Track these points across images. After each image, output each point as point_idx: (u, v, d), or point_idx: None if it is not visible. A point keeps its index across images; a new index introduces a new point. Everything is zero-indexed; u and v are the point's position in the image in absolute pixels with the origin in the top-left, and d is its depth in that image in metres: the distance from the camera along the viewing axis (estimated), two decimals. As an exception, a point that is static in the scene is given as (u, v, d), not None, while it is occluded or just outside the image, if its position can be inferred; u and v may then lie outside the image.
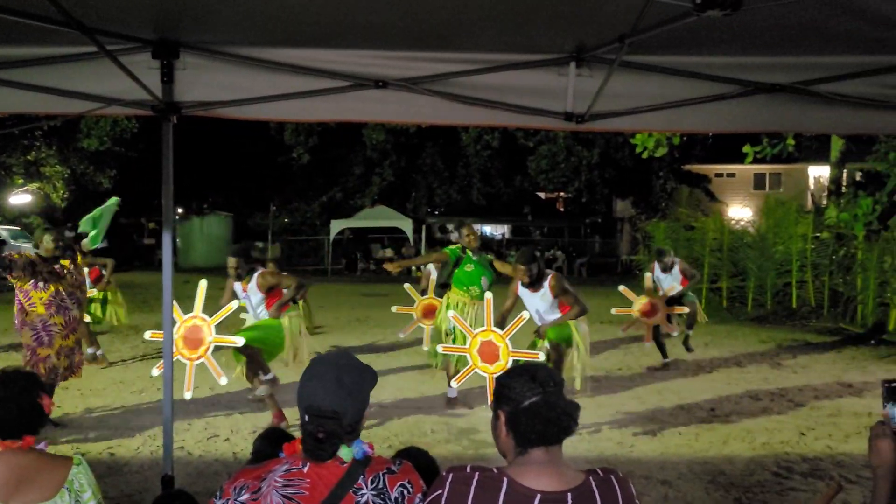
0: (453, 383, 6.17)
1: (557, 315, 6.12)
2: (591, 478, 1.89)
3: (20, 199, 25.58)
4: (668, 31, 2.73)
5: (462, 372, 5.71)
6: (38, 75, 3.27)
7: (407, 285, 9.32)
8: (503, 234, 35.61)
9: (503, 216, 33.73)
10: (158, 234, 31.20)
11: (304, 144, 29.68)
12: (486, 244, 32.37)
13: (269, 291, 6.06)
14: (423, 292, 8.85)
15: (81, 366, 6.25)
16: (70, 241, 6.79)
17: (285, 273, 6.36)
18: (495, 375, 4.84)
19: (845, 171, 17.99)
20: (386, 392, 7.14)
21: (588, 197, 31.03)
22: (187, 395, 5.41)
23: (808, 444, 5.82)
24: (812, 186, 28.41)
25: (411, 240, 29.94)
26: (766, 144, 13.65)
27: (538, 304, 6.18)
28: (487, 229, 36.87)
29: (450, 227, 36.00)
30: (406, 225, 29.56)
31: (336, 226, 29.69)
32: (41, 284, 5.88)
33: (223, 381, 5.51)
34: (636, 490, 1.90)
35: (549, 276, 6.14)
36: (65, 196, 26.38)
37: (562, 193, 34.40)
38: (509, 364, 5.35)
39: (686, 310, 8.79)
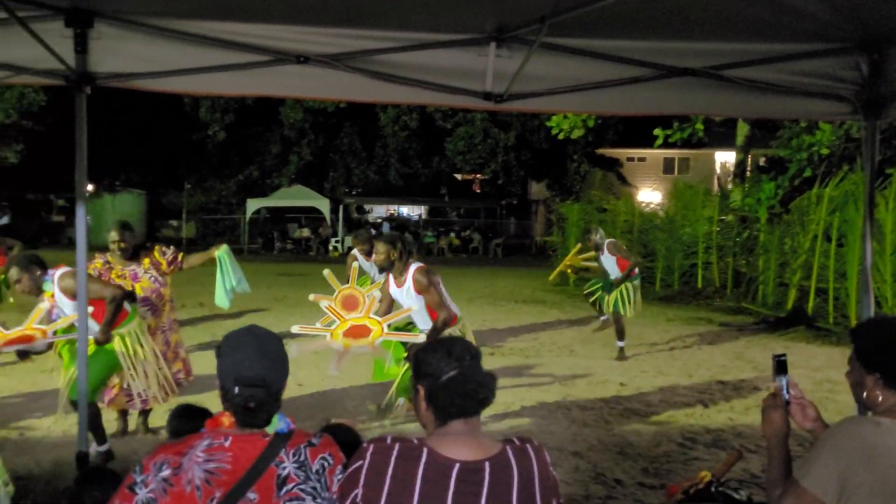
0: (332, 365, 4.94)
1: (428, 321, 5.12)
2: (508, 447, 1.95)
3: (-84, 173, 23.98)
4: (586, 14, 2.82)
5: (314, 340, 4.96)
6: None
7: (327, 272, 8.80)
8: (420, 215, 35.70)
9: (420, 197, 33.83)
10: (67, 212, 29.68)
11: (219, 122, 28.95)
12: (403, 225, 32.41)
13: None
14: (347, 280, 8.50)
15: None
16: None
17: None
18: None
19: (750, 156, 18.84)
20: (304, 370, 7.10)
21: (504, 179, 31.49)
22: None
23: (711, 416, 6.15)
24: (718, 171, 29.68)
25: (328, 220, 29.65)
26: (676, 128, 14.17)
27: (405, 302, 5.17)
28: (405, 210, 36.89)
29: (367, 208, 35.84)
30: (323, 205, 29.26)
31: (252, 205, 29.11)
32: None
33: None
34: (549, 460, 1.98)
35: (414, 268, 5.09)
36: (-33, 171, 24.93)
37: (478, 175, 34.74)
38: (378, 341, 4.65)
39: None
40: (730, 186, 17.31)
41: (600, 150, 32.48)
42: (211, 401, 5.48)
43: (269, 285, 15.65)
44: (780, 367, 2.19)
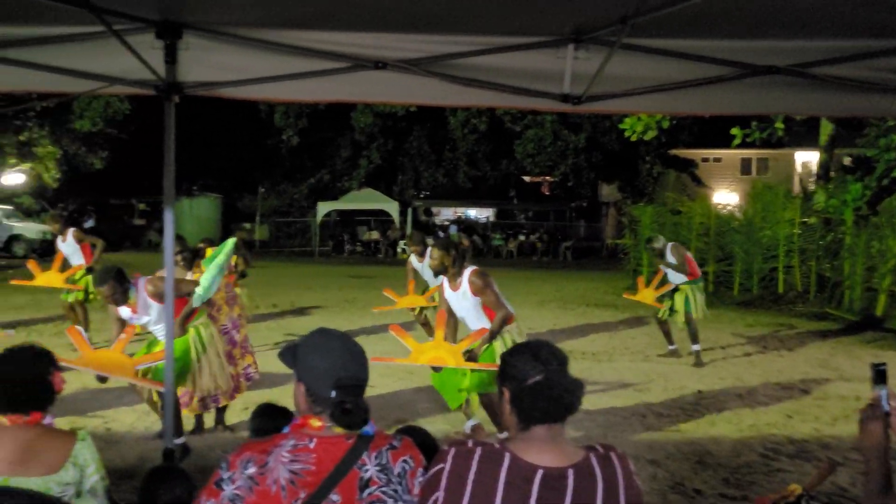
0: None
1: (483, 320, 5.15)
2: (591, 454, 1.92)
3: (13, 178, 25.50)
4: (668, 14, 2.75)
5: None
6: (44, 54, 3.27)
7: (386, 291, 8.58)
8: (488, 218, 35.67)
9: (488, 199, 33.78)
10: (148, 215, 31.05)
11: (293, 127, 29.60)
12: (471, 227, 32.46)
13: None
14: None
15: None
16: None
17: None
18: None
19: (834, 155, 18.10)
20: (374, 372, 7.16)
21: (574, 181, 31.14)
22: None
23: (795, 426, 5.92)
24: (799, 171, 28.62)
25: (397, 222, 29.94)
26: (755, 127, 13.74)
27: (460, 305, 5.21)
28: (472, 212, 36.93)
29: (435, 210, 36.04)
30: (392, 208, 29.55)
31: (323, 208, 29.63)
32: None
33: None
34: None
35: (470, 271, 5.10)
36: (57, 177, 26.30)
37: (547, 177, 34.47)
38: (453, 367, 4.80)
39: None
40: (812, 187, 16.66)
41: (674, 151, 31.74)
42: (281, 397, 5.63)
43: (339, 287, 15.93)
44: (880, 376, 2.09)
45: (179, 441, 4.87)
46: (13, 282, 8.90)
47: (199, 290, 5.34)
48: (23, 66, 3.29)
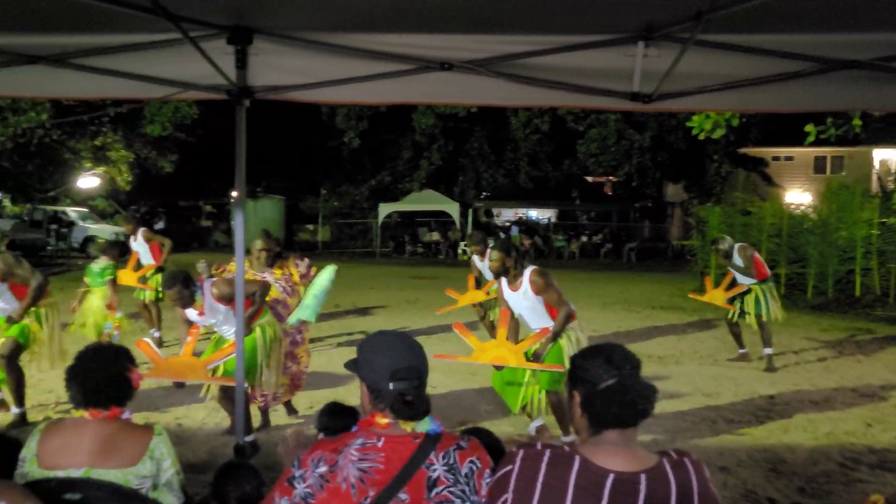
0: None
1: (544, 319, 5.11)
2: (664, 459, 1.88)
3: (88, 182, 26.64)
4: (743, 8, 2.67)
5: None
6: (122, 62, 3.39)
7: (449, 291, 8.77)
8: (549, 219, 35.35)
9: (550, 200, 33.46)
10: (215, 217, 32.08)
11: (354, 129, 29.91)
12: (533, 228, 32.20)
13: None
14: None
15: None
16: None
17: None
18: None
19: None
20: (437, 373, 7.20)
21: (638, 181, 30.54)
22: None
23: (875, 435, 5.67)
24: (877, 169, 27.43)
25: (458, 224, 29.98)
26: (830, 124, 13.22)
27: (520, 305, 5.17)
28: (533, 213, 36.67)
29: (496, 212, 35.94)
30: (453, 209, 29.59)
31: (384, 209, 29.88)
32: None
33: None
34: None
35: (530, 270, 5.07)
36: (129, 180, 27.37)
37: (611, 177, 33.91)
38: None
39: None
40: (891, 186, 15.94)
41: (743, 150, 30.80)
42: (345, 396, 5.67)
43: (400, 287, 16.04)
44: None
45: (249, 438, 4.97)
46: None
47: (303, 313, 5.60)
48: (102, 73, 3.42)
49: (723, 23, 2.90)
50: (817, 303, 14.01)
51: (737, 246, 8.22)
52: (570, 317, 4.95)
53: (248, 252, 5.81)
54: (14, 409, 5.49)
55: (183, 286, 4.85)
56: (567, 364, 4.79)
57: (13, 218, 25.34)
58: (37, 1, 2.83)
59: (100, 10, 2.74)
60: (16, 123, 19.91)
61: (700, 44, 3.12)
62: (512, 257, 5.10)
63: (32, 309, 5.52)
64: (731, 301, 8.21)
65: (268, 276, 5.97)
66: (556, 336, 4.92)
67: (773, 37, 3.18)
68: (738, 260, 8.11)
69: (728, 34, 3.16)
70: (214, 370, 4.81)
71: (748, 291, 8.12)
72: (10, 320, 5.42)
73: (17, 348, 5.41)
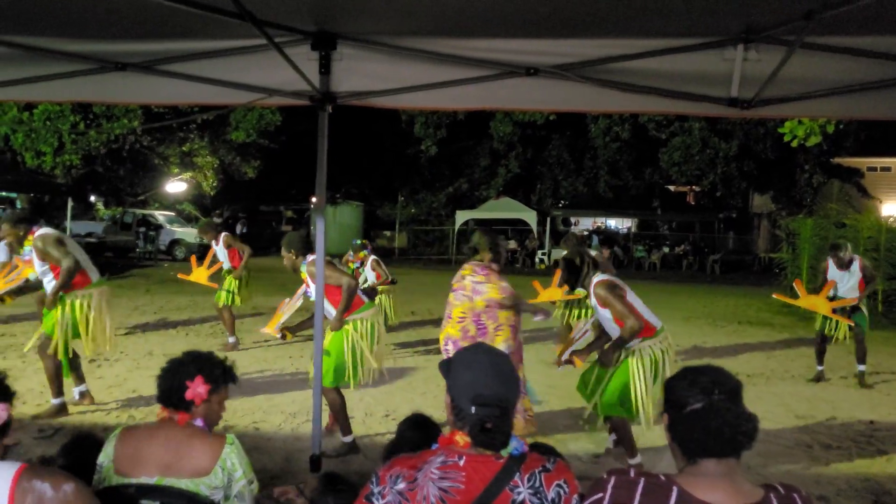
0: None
1: (618, 331, 4.86)
2: (771, 494, 1.74)
3: (175, 187, 27.71)
4: (854, 7, 2.48)
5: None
6: (208, 68, 3.43)
7: (535, 283, 8.78)
8: (629, 228, 34.59)
9: (630, 209, 32.76)
10: (295, 222, 32.83)
11: (432, 137, 30.10)
12: (612, 238, 31.54)
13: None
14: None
15: None
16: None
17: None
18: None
19: None
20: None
21: (723, 190, 29.55)
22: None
23: None
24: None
25: (535, 232, 29.71)
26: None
27: (597, 314, 5.01)
28: (612, 222, 35.97)
29: (573, 220, 35.43)
30: (530, 217, 29.38)
31: (461, 216, 29.94)
32: None
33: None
34: None
35: (595, 282, 4.89)
36: (214, 185, 28.32)
37: (694, 187, 32.93)
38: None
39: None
40: None
41: (837, 159, 29.40)
42: (419, 404, 5.57)
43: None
44: None
45: (348, 439, 5.03)
46: (179, 275, 9.87)
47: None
48: (190, 79, 3.47)
49: (831, 23, 2.70)
50: (919, 322, 13.17)
51: (856, 257, 7.76)
52: (636, 331, 4.69)
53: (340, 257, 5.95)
54: (54, 401, 5.59)
55: (289, 250, 5.22)
56: (634, 384, 4.71)
57: (105, 220, 26.54)
58: (126, 9, 2.89)
59: (187, 16, 2.77)
60: (109, 129, 20.88)
61: (805, 46, 2.92)
62: (574, 272, 4.99)
63: (70, 300, 5.51)
64: (834, 312, 7.74)
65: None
66: (618, 346, 4.73)
67: (887, 38, 2.94)
68: (856, 270, 7.65)
69: (836, 35, 2.95)
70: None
71: (856, 306, 7.65)
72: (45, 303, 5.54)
73: (48, 340, 5.53)
